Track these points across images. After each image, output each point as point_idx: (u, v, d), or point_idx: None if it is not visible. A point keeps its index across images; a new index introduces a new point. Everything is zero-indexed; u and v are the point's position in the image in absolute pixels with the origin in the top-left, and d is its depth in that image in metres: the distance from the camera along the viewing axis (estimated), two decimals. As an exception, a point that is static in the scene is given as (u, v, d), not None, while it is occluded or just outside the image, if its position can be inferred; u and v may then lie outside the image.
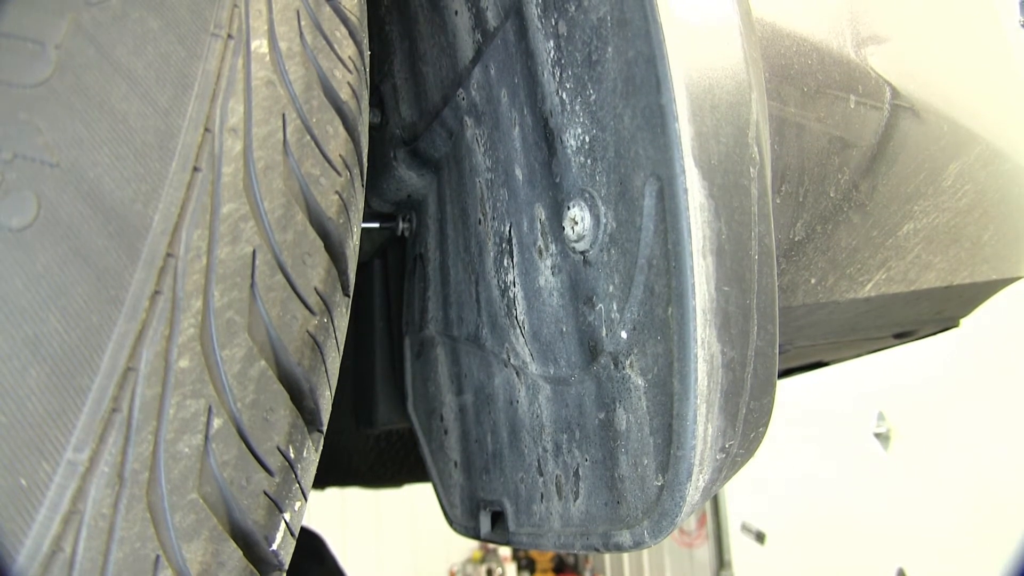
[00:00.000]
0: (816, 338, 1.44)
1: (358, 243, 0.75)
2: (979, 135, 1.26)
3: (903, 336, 1.71)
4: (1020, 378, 3.31)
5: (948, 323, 1.68)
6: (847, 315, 1.28)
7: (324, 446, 0.81)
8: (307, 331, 0.64)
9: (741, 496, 6.10)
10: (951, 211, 1.25)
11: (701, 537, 6.66)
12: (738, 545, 6.19)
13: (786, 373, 1.99)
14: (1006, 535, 3.18)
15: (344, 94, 0.72)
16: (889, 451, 4.19)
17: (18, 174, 0.55)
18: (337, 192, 0.69)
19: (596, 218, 0.78)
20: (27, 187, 0.55)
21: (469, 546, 8.32)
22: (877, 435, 4.23)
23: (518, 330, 0.97)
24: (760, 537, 5.67)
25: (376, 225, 1.40)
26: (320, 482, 2.45)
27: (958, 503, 3.67)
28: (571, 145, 0.81)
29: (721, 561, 6.51)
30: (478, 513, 1.13)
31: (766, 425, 0.75)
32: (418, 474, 2.46)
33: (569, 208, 0.81)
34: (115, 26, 0.62)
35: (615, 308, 0.76)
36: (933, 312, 1.52)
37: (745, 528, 5.89)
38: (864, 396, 4.32)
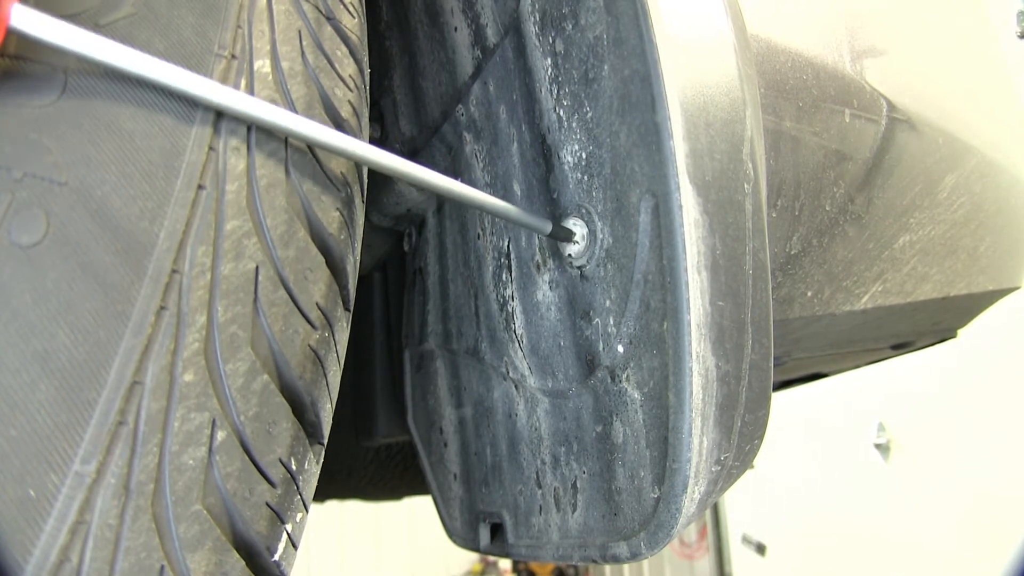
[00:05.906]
0: (813, 350, 1.45)
1: (359, 258, 0.76)
2: (975, 147, 1.27)
3: (900, 347, 1.72)
4: (1019, 388, 3.32)
5: (945, 334, 1.69)
6: (844, 327, 1.28)
7: (323, 459, 0.81)
8: (309, 345, 0.65)
9: (742, 507, 6.08)
10: (947, 223, 1.26)
11: (702, 549, 6.63)
12: (739, 557, 6.16)
13: (784, 385, 1.99)
14: (1005, 545, 3.18)
15: (345, 112, 0.74)
16: (889, 462, 4.19)
17: (28, 192, 0.56)
18: (338, 208, 0.70)
19: (593, 234, 0.79)
20: (36, 205, 0.56)
21: (469, 558, 8.28)
22: (877, 446, 4.23)
23: (516, 344, 0.98)
24: (761, 549, 5.65)
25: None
26: (319, 495, 2.44)
27: (958, 514, 3.67)
28: (568, 161, 0.82)
29: (722, 573, 6.49)
30: (477, 525, 1.14)
31: (761, 438, 0.76)
32: (417, 487, 2.45)
33: (566, 224, 0.82)
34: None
35: (612, 322, 0.77)
36: (930, 323, 1.52)
37: (746, 540, 5.88)
38: (864, 407, 4.32)
